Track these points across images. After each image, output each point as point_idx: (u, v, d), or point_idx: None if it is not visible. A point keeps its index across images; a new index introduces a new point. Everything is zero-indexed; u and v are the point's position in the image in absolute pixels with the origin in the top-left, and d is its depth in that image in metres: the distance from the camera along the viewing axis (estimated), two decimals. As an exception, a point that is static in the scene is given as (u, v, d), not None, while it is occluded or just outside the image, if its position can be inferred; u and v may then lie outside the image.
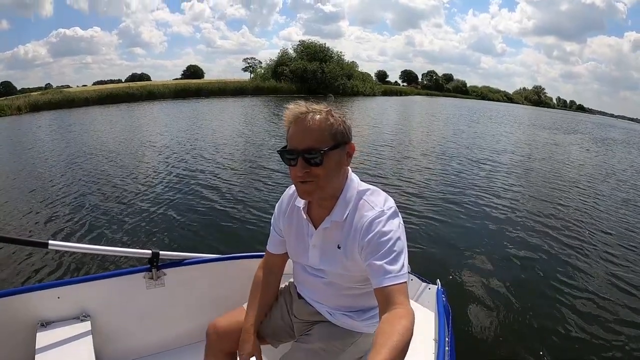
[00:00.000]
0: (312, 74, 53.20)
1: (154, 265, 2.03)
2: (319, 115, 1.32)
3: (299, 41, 60.69)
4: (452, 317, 1.87)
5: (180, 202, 6.79)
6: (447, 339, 1.59)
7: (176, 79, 70.64)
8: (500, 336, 3.55)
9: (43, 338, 1.74)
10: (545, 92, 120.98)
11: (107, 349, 1.99)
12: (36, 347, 1.69)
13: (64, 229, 5.60)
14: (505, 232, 6.02)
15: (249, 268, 1.87)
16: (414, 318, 1.16)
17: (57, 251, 3.31)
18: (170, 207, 6.53)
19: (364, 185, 1.46)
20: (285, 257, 1.70)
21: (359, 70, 65.17)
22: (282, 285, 1.80)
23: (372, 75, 78.88)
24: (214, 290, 2.21)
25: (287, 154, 1.34)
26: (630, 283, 4.67)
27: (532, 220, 6.61)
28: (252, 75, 63.43)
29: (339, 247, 1.43)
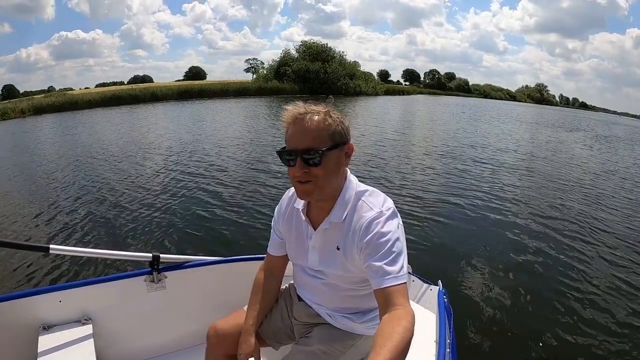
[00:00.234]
0: (314, 74, 53.28)
1: (155, 268, 2.04)
2: (317, 116, 1.33)
3: (301, 41, 60.89)
4: (454, 318, 1.86)
5: (182, 205, 6.80)
6: (448, 340, 1.58)
7: (178, 80, 71.11)
8: (502, 338, 3.53)
9: (45, 341, 1.75)
10: (547, 90, 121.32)
11: (108, 352, 1.99)
12: (38, 351, 1.69)
13: (65, 231, 5.63)
14: (508, 232, 5.99)
15: (249, 270, 1.87)
16: (414, 319, 1.16)
17: (58, 255, 3.32)
18: (172, 209, 6.55)
19: (363, 186, 1.46)
20: (285, 259, 1.70)
21: (361, 70, 65.30)
22: (282, 287, 1.80)
23: (375, 74, 79.08)
24: (214, 292, 2.21)
25: (286, 155, 1.35)
26: (633, 285, 4.62)
27: (535, 221, 6.57)
28: (254, 76, 63.54)
29: (338, 248, 1.43)
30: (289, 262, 1.70)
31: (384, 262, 1.26)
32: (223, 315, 1.75)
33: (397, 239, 1.31)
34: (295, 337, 1.68)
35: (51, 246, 1.79)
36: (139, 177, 8.82)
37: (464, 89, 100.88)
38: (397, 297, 1.21)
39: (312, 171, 1.32)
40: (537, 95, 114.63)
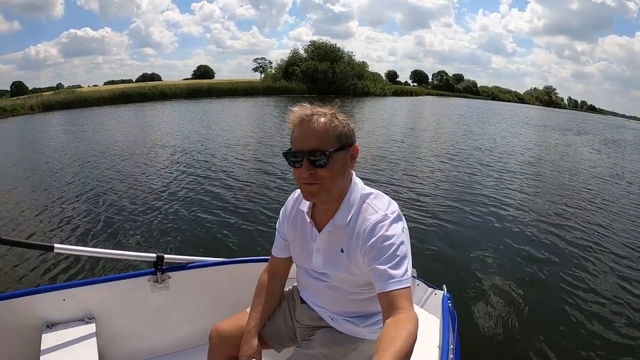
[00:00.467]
0: (323, 74, 53.36)
1: (159, 268, 2.04)
2: (323, 118, 1.33)
3: (310, 41, 60.98)
4: (458, 324, 1.84)
5: (186, 205, 6.80)
6: (451, 346, 1.57)
7: (186, 78, 71.37)
8: (507, 345, 3.49)
9: (48, 339, 1.76)
10: (556, 92, 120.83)
11: (111, 351, 2.00)
12: (41, 348, 1.70)
13: (70, 230, 5.66)
14: (514, 238, 5.93)
15: (253, 272, 1.87)
16: (417, 323, 1.15)
17: (62, 254, 3.34)
18: (176, 209, 6.55)
19: (368, 189, 1.45)
20: (290, 261, 1.70)
21: (370, 70, 65.26)
22: (286, 290, 1.79)
23: (383, 75, 79.07)
24: (218, 294, 2.22)
25: (292, 156, 1.35)
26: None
27: (542, 227, 6.49)
28: (262, 75, 63.67)
29: (342, 251, 1.43)
30: (293, 264, 1.69)
31: (388, 265, 1.25)
32: (226, 316, 1.75)
33: (402, 242, 1.30)
34: (297, 339, 1.67)
35: (55, 245, 1.80)
36: (146, 176, 8.85)
37: (472, 91, 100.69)
38: (401, 301, 1.20)
39: (318, 173, 1.32)
40: (545, 98, 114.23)
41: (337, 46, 59.71)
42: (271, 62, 67.44)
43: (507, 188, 9.00)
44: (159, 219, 6.09)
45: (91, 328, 1.88)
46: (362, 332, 1.54)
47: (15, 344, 1.80)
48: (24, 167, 10.21)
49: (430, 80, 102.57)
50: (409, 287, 1.24)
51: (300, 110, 1.35)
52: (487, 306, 4.04)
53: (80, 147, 12.74)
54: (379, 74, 71.65)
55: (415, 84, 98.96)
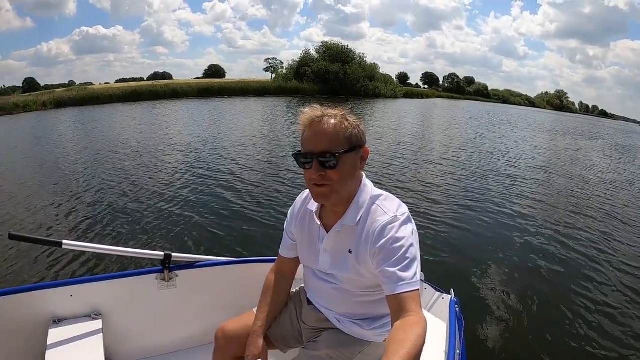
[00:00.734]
0: (334, 75, 53.25)
1: (166, 266, 2.04)
2: (334, 119, 1.33)
3: (322, 42, 60.87)
4: (465, 329, 1.83)
5: (195, 204, 6.80)
6: (457, 351, 1.55)
7: (197, 78, 71.43)
8: (514, 351, 3.45)
9: (55, 334, 1.77)
10: (567, 97, 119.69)
11: (116, 347, 2.01)
12: (48, 343, 1.71)
13: (79, 226, 5.70)
14: (524, 243, 5.88)
15: (260, 272, 1.86)
16: (426, 326, 1.15)
17: (71, 250, 3.36)
18: (184, 208, 6.56)
19: (378, 191, 1.45)
20: (297, 261, 1.69)
21: (381, 72, 65.02)
22: (292, 291, 1.79)
23: (394, 77, 78.85)
24: (224, 293, 2.22)
25: (302, 157, 1.35)
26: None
27: (551, 231, 6.44)
28: (273, 75, 63.76)
29: (350, 252, 1.42)
30: (300, 265, 1.69)
31: (398, 267, 1.25)
32: (232, 316, 1.75)
33: (411, 244, 1.30)
34: (303, 341, 1.67)
35: (64, 241, 1.80)
36: (156, 175, 8.89)
37: (483, 94, 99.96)
38: (410, 303, 1.20)
39: (328, 174, 1.32)
40: (557, 102, 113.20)
41: (348, 47, 59.59)
42: (282, 63, 67.63)
43: (517, 192, 8.93)
44: (167, 217, 6.11)
45: (98, 324, 1.88)
46: (368, 334, 1.53)
47: (22, 338, 1.82)
48: (35, 161, 10.29)
49: (441, 82, 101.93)
50: (418, 289, 1.24)
51: (311, 111, 1.35)
52: (494, 313, 3.99)
53: (92, 144, 12.86)
54: (390, 76, 71.46)
55: (426, 87, 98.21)
